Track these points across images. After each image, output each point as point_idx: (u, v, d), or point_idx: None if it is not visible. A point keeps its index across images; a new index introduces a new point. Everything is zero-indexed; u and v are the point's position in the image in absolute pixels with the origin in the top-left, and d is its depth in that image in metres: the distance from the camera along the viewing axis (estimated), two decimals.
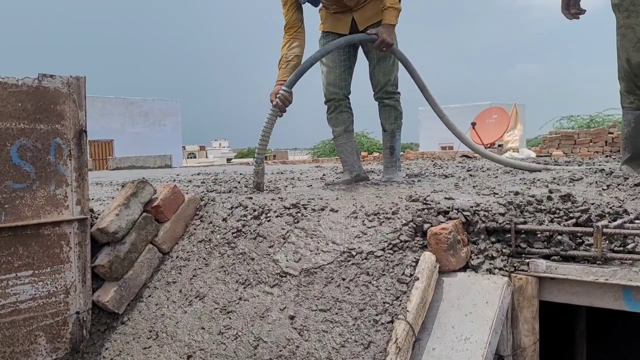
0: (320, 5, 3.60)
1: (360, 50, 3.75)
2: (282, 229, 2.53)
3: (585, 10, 3.36)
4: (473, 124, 13.55)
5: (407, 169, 5.27)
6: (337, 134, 3.69)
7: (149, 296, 2.57)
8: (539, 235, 2.17)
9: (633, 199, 2.48)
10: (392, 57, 3.63)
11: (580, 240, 2.11)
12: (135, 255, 2.60)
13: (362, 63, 3.81)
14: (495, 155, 4.45)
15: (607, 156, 8.52)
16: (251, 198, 2.90)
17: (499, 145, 13.50)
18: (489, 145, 13.26)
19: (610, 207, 2.25)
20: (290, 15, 3.40)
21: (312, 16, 3.68)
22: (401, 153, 4.63)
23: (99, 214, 2.67)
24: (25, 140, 2.27)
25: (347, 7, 3.55)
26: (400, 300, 2.02)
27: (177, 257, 2.70)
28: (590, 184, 3.07)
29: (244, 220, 2.68)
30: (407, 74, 3.77)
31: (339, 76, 3.60)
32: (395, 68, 3.68)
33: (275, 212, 2.64)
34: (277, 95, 3.20)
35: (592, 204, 2.29)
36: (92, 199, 3.34)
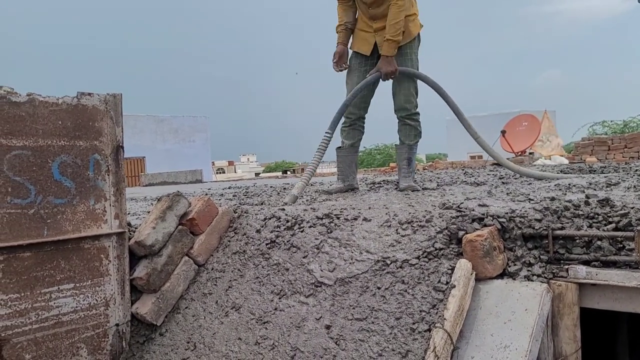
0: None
1: None
2: (316, 239, 2.54)
3: None
4: (503, 132, 13.38)
5: (438, 178, 5.23)
6: (344, 146, 4.07)
7: (186, 308, 2.60)
8: (577, 241, 2.13)
9: None
10: (411, 83, 3.88)
11: (621, 245, 2.07)
12: (171, 267, 2.64)
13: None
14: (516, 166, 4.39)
15: None
16: (284, 209, 2.92)
17: (530, 153, 13.28)
18: (519, 153, 13.06)
19: None
20: None
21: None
22: (430, 163, 4.77)
23: (135, 228, 2.72)
24: (66, 156, 2.34)
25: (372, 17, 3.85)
26: (437, 309, 2.00)
27: (212, 268, 2.73)
28: (628, 188, 3.00)
29: (277, 231, 2.70)
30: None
31: (362, 98, 3.93)
32: (415, 92, 3.93)
33: (308, 222, 2.65)
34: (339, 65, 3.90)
35: (632, 207, 2.24)
36: (128, 214, 3.41)
